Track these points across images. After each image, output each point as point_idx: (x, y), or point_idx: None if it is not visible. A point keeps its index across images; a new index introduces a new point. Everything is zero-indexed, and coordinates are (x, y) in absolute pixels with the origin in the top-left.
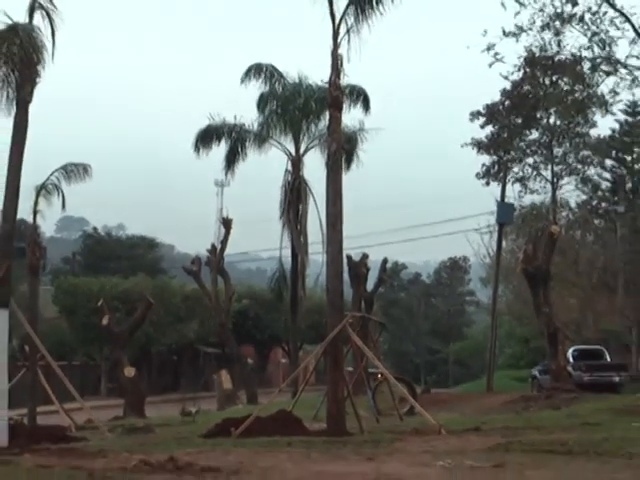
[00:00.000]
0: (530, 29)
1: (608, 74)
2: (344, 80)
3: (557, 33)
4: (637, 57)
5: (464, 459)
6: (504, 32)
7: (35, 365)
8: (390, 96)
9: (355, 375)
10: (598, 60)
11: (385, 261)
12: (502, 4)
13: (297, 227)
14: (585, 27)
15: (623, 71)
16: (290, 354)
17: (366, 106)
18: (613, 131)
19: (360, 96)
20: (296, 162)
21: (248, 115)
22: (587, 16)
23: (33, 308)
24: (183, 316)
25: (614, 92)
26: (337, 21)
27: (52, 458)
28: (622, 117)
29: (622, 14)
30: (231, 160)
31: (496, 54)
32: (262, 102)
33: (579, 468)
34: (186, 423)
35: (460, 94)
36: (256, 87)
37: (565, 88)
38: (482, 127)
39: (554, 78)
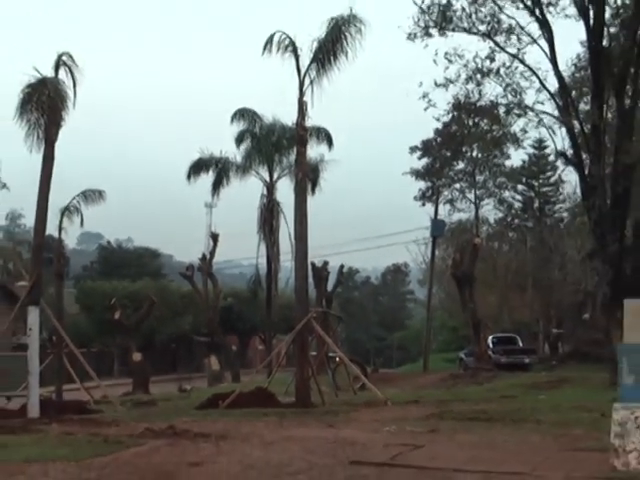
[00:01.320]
0: (456, 81)
1: (519, 116)
2: (310, 122)
3: (478, 84)
4: (542, 103)
5: (405, 425)
6: (436, 83)
7: (61, 352)
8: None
9: (318, 358)
10: (511, 105)
11: (342, 267)
12: (434, 61)
13: (271, 240)
14: (500, 79)
15: (531, 114)
16: (266, 342)
17: (330, 143)
18: (523, 162)
19: (324, 135)
20: (270, 188)
21: (234, 148)
22: (502, 70)
23: (59, 306)
24: (180, 312)
25: (524, 131)
26: (302, 75)
27: (75, 427)
28: (530, 151)
29: (530, 69)
30: (217, 186)
31: (429, 101)
32: (239, 139)
33: (498, 432)
34: (182, 398)
35: (402, 132)
36: (240, 126)
37: (485, 128)
38: (419, 159)
39: (476, 120)
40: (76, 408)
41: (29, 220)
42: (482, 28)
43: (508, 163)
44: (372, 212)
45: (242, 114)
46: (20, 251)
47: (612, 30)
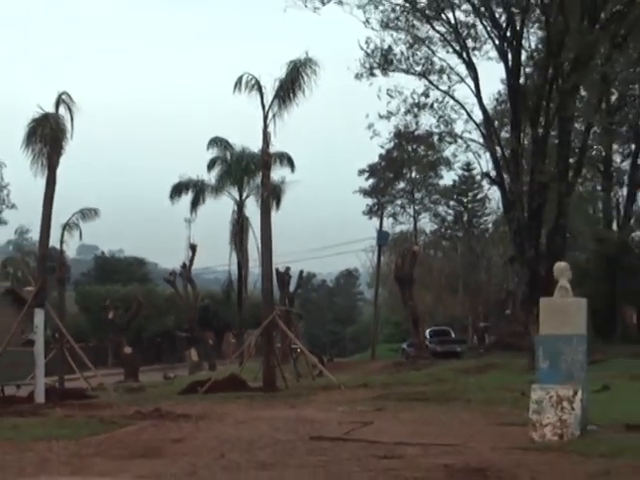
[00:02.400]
0: (397, 113)
1: (450, 143)
2: (273, 148)
3: (415, 116)
4: (469, 132)
5: (356, 406)
6: (380, 115)
7: (62, 346)
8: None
9: (282, 350)
10: (443, 134)
11: (301, 272)
12: (378, 96)
13: (241, 249)
14: (434, 112)
15: (460, 141)
16: (238, 336)
17: (292, 166)
18: (454, 182)
19: (287, 159)
20: (240, 205)
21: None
22: (435, 104)
23: (61, 308)
24: (164, 312)
25: (454, 155)
26: (266, 110)
27: (75, 410)
28: (460, 172)
29: (459, 103)
30: (195, 204)
31: (374, 130)
32: (211, 164)
33: (434, 410)
34: (167, 385)
35: (354, 156)
36: (215, 152)
37: (422, 153)
38: (366, 179)
39: (414, 146)
40: (76, 394)
41: (35, 234)
42: (418, 69)
43: (442, 183)
44: (327, 224)
45: (215, 142)
46: (27, 261)
47: (527, 70)
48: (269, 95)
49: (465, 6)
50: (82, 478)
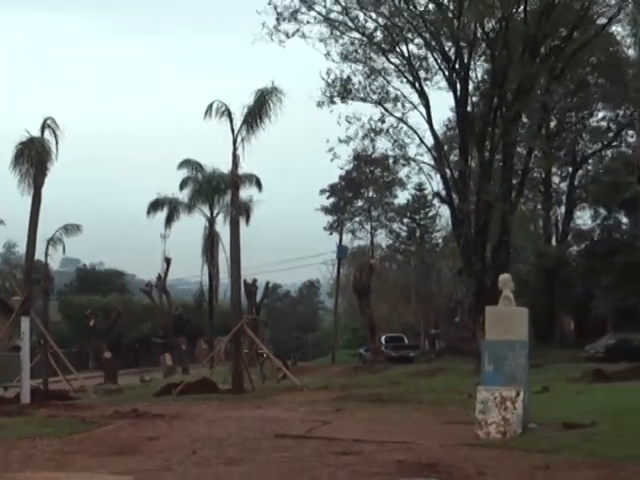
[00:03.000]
0: (355, 138)
1: (404, 165)
2: (242, 170)
3: (372, 140)
4: (421, 155)
5: (317, 406)
6: (339, 140)
7: (47, 351)
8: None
9: (249, 354)
10: (398, 157)
11: (267, 283)
12: (338, 122)
13: (212, 262)
14: (389, 137)
15: (413, 164)
16: (209, 342)
17: (259, 186)
18: (408, 201)
19: (254, 180)
20: (211, 222)
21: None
22: (390, 130)
23: (45, 316)
24: (141, 319)
25: (408, 177)
26: (235, 134)
27: (58, 410)
28: (413, 192)
29: (412, 129)
30: (169, 220)
31: (335, 153)
32: (183, 184)
33: (389, 410)
34: (143, 387)
35: (314, 177)
36: (186, 172)
37: (378, 175)
38: (327, 198)
39: (371, 168)
40: (59, 396)
41: (22, 248)
42: (374, 97)
43: (396, 202)
44: (292, 239)
45: (187, 163)
46: (15, 273)
47: (474, 99)
48: (238, 121)
49: (418, 40)
50: (65, 474)
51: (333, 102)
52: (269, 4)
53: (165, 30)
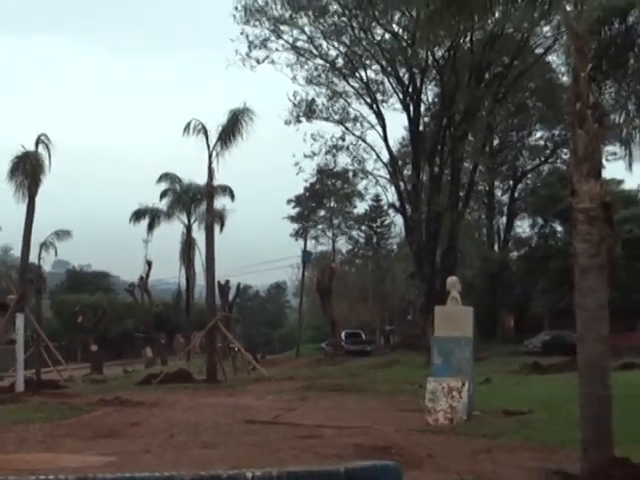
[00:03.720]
0: (319, 154)
1: (362, 179)
2: (217, 182)
3: (334, 156)
4: (378, 169)
5: (283, 395)
6: (304, 155)
7: (39, 345)
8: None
9: (222, 348)
10: (357, 171)
11: (239, 284)
12: (303, 139)
13: (189, 265)
14: (349, 153)
15: (371, 177)
16: (185, 337)
17: (232, 196)
18: (366, 210)
19: (228, 191)
20: (188, 229)
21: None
22: (350, 147)
23: (38, 313)
24: (124, 316)
25: (366, 189)
26: (210, 150)
27: (49, 398)
28: (370, 202)
29: (370, 146)
30: (151, 227)
31: (300, 167)
32: (163, 195)
33: (348, 399)
34: (126, 377)
35: (282, 189)
36: (166, 185)
37: (339, 187)
38: (293, 208)
39: (333, 181)
40: (50, 385)
41: (17, 251)
42: (336, 117)
43: (355, 211)
44: (261, 245)
45: (166, 176)
46: (10, 274)
47: (426, 119)
48: (213, 138)
49: (375, 66)
50: (55, 455)
51: (299, 121)
52: (242, 33)
53: (148, 54)
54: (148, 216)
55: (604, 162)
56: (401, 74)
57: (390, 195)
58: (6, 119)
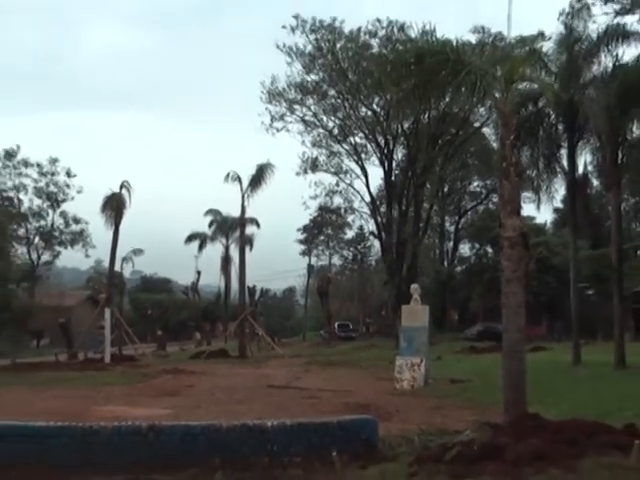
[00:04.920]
0: (320, 196)
1: (351, 214)
2: (248, 215)
3: (331, 197)
4: (362, 207)
5: (293, 367)
6: (310, 197)
7: (121, 330)
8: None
9: (250, 333)
10: (347, 208)
11: (262, 288)
12: (309, 185)
13: (226, 274)
14: (342, 195)
15: (357, 213)
16: (224, 325)
17: (258, 226)
18: (353, 236)
19: (255, 222)
20: (226, 248)
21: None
22: (342, 191)
23: (120, 307)
24: (181, 310)
25: (353, 221)
26: (243, 192)
27: (128, 368)
28: (356, 231)
29: (357, 191)
30: (200, 247)
31: (307, 205)
32: (210, 225)
33: (340, 371)
34: (181, 353)
35: (294, 220)
36: (210, 216)
37: (334, 219)
38: (302, 234)
39: (330, 215)
40: (128, 358)
41: (106, 263)
42: (333, 170)
43: (346, 237)
44: (278, 259)
45: (211, 211)
46: (101, 279)
47: (396, 172)
48: (245, 184)
49: (360, 134)
50: (131, 407)
51: (306, 173)
52: (266, 109)
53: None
54: (198, 239)
55: (522, 204)
56: (379, 140)
57: (370, 226)
58: (100, 171)
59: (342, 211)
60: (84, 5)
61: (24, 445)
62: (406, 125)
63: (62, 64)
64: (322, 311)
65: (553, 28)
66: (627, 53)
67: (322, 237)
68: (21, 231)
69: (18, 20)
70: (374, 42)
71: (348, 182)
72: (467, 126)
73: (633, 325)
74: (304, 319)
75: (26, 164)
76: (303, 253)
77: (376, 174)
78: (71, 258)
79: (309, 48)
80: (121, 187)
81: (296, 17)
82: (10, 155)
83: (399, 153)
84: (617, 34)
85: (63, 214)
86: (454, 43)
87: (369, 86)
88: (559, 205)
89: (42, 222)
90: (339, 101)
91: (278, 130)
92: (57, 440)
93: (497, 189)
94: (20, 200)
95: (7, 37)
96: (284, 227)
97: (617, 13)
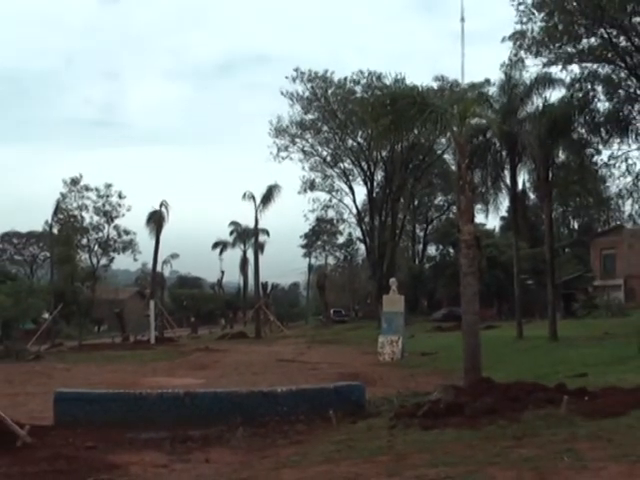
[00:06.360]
0: (318, 210)
1: (341, 223)
2: (260, 226)
3: (326, 211)
4: (350, 218)
5: (298, 345)
6: (309, 211)
7: (162, 317)
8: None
9: (263, 318)
10: (338, 219)
11: (273, 283)
12: (308, 202)
13: (244, 273)
14: (334, 209)
15: (346, 222)
16: (243, 313)
17: (268, 234)
18: (344, 241)
19: (266, 232)
20: (244, 252)
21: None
22: (334, 206)
23: (161, 299)
24: (208, 302)
25: (343, 229)
26: (256, 208)
27: (169, 347)
28: (346, 237)
29: (345, 205)
30: (221, 252)
31: (307, 217)
32: (231, 233)
33: (334, 347)
34: (210, 335)
35: (297, 229)
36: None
37: (329, 228)
38: (303, 240)
39: (325, 226)
40: (169, 340)
41: (149, 265)
42: (326, 189)
43: (338, 242)
44: (285, 260)
45: (232, 223)
46: (147, 278)
47: (377, 190)
48: (258, 200)
49: (348, 160)
50: (171, 378)
51: (306, 191)
52: (273, 142)
53: (218, 146)
54: (222, 245)
55: (475, 214)
56: (363, 165)
57: (357, 232)
58: (145, 193)
59: (334, 221)
60: (132, 65)
61: (90, 406)
62: (384, 153)
63: (117, 111)
64: (320, 301)
65: (496, 76)
66: (553, 95)
67: (319, 242)
68: (84, 241)
69: (83, 78)
70: (358, 88)
71: (339, 198)
72: (432, 153)
73: (562, 307)
74: (306, 307)
75: (87, 189)
76: (305, 255)
77: (361, 192)
78: (123, 262)
79: (307, 94)
80: (161, 205)
81: (296, 70)
82: (75, 182)
83: (379, 175)
84: (545, 81)
85: (116, 227)
86: (420, 88)
87: (354, 123)
88: (504, 214)
89: (100, 234)
90: (331, 135)
91: (283, 158)
92: (115, 404)
93: (456, 202)
94: (83, 217)
95: (75, 92)
96: (289, 234)
97: (544, 65)
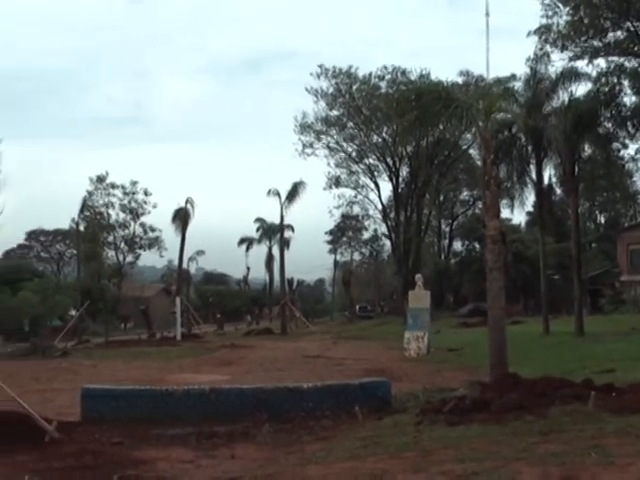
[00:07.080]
0: (343, 206)
1: (367, 219)
2: (285, 222)
3: (351, 207)
4: (376, 214)
5: (324, 341)
6: (335, 207)
7: (189, 314)
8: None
9: (289, 315)
10: (363, 215)
11: (299, 280)
12: (333, 197)
13: (270, 269)
14: (360, 205)
15: (372, 218)
16: (269, 309)
17: (293, 230)
18: (370, 237)
19: (291, 227)
20: (270, 249)
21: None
22: (360, 202)
23: (187, 296)
24: (235, 298)
25: (369, 225)
26: (282, 204)
27: (195, 343)
28: (372, 233)
29: (371, 201)
30: (248, 248)
31: (332, 214)
32: (257, 230)
33: (360, 343)
34: (236, 332)
35: (323, 226)
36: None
37: (354, 224)
38: (329, 236)
39: (351, 222)
40: (195, 336)
41: (176, 262)
42: (352, 185)
43: (363, 237)
44: (311, 256)
45: (258, 219)
46: (173, 274)
47: (402, 186)
48: (283, 197)
49: (373, 156)
50: (198, 375)
51: (331, 187)
52: (299, 139)
53: (243, 143)
54: (247, 242)
55: (501, 209)
56: (388, 161)
57: (382, 228)
58: (171, 190)
59: (360, 217)
60: (158, 63)
61: (116, 403)
62: (409, 149)
63: (142, 109)
64: (346, 296)
65: (522, 71)
66: (579, 89)
67: (345, 238)
68: (110, 239)
69: (109, 75)
70: (382, 84)
71: (364, 194)
72: (457, 149)
73: (589, 302)
74: (332, 303)
75: (113, 186)
76: (330, 251)
77: (386, 188)
78: (149, 259)
79: (331, 90)
80: (186, 202)
81: (320, 66)
82: (101, 179)
83: (404, 171)
84: (571, 75)
85: (142, 224)
86: (445, 84)
87: (379, 119)
88: (530, 209)
89: (126, 231)
90: (356, 131)
91: (308, 155)
92: (141, 400)
93: (481, 198)
94: (109, 214)
95: (100, 90)
96: (315, 231)
97: (570, 59)
